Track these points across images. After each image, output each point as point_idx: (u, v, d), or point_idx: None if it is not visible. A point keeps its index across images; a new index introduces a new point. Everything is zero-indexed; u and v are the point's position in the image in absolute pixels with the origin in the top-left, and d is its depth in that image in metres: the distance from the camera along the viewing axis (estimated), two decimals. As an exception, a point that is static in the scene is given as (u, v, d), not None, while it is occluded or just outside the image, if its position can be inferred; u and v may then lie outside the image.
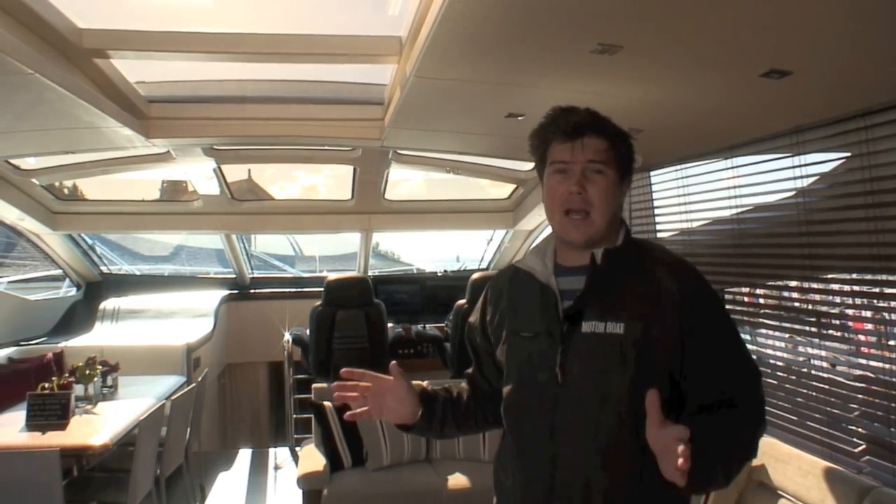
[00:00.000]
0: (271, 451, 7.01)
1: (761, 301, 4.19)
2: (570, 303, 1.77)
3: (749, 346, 4.07)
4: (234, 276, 8.53)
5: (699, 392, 1.71)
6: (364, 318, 6.57)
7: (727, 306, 4.25)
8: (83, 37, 3.43)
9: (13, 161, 5.73)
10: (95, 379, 5.09)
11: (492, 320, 1.99)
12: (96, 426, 4.44)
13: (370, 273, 8.32)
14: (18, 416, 4.51)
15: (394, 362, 1.99)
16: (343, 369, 1.95)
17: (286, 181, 8.59)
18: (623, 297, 1.72)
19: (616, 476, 1.68)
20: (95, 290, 8.25)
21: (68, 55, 3.50)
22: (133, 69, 4.17)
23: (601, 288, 1.75)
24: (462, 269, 8.90)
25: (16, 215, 6.47)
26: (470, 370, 2.17)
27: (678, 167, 4.54)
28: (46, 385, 4.58)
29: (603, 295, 1.74)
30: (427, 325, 7.58)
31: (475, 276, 6.33)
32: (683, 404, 1.72)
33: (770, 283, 3.99)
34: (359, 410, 1.95)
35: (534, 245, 1.93)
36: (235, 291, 8.47)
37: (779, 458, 3.15)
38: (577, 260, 1.80)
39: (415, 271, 9.62)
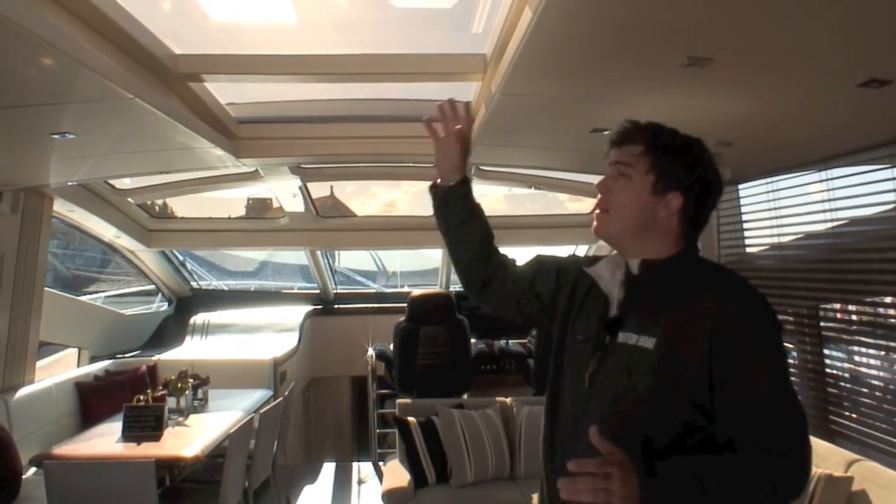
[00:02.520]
0: (354, 465, 7.07)
1: (854, 318, 4.03)
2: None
3: (843, 364, 3.97)
4: (318, 291, 8.68)
5: (728, 431, 1.58)
6: (447, 334, 6.57)
7: (821, 323, 4.12)
8: (179, 62, 3.56)
9: (110, 181, 5.99)
10: (187, 392, 5.23)
11: (557, 289, 2.00)
12: (188, 438, 4.56)
13: (452, 288, 8.34)
14: (115, 426, 4.68)
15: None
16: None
17: (366, 197, 8.71)
18: (662, 313, 1.66)
19: None
20: (186, 304, 8.52)
21: (165, 80, 3.64)
22: (223, 91, 4.31)
23: (640, 300, 1.73)
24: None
25: (113, 233, 6.76)
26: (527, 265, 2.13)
27: (768, 180, 4.42)
28: (141, 397, 4.74)
29: (642, 307, 1.71)
30: (510, 341, 7.54)
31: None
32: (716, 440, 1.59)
33: (866, 300, 3.83)
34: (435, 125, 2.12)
35: (615, 252, 1.89)
36: (320, 306, 8.62)
37: (881, 483, 3.02)
38: None
39: (496, 287, 9.57)
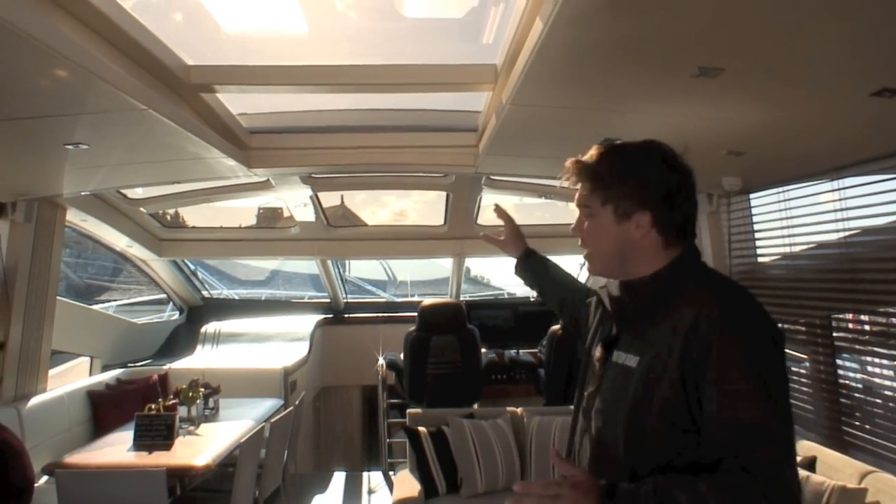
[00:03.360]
0: (364, 474, 7.06)
1: (867, 328, 4.01)
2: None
3: (856, 374, 3.94)
4: (328, 300, 8.70)
5: (709, 449, 1.51)
6: (458, 344, 6.55)
7: (834, 333, 4.10)
8: (191, 73, 3.59)
9: (123, 191, 6.03)
10: (198, 401, 5.25)
11: (588, 310, 2.14)
12: (199, 447, 4.57)
13: (462, 298, 8.33)
14: (126, 435, 4.70)
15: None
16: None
17: (377, 206, 8.73)
18: (647, 331, 1.67)
19: None
20: (197, 313, 8.55)
21: (177, 91, 3.67)
22: (235, 101, 4.33)
23: (627, 319, 1.76)
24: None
25: (125, 242, 6.81)
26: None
27: (779, 189, 4.41)
28: (153, 406, 4.75)
29: (632, 325, 1.74)
30: (520, 351, 7.53)
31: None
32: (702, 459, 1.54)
33: (879, 310, 3.81)
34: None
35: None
36: (330, 316, 8.63)
37: (895, 495, 2.99)
38: None
39: (505, 296, 9.58)
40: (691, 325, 1.55)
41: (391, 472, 6.57)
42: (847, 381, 4.01)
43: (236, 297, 9.69)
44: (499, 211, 2.63)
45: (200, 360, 7.36)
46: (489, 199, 7.01)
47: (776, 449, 1.47)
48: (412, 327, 6.68)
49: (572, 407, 1.93)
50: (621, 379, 1.68)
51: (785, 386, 1.56)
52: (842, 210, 3.81)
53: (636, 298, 1.74)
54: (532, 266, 2.58)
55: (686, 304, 1.61)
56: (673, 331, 1.58)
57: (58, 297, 5.51)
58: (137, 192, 6.28)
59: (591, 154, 1.79)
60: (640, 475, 1.52)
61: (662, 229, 1.71)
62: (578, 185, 1.81)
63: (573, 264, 8.29)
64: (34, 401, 5.07)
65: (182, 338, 8.14)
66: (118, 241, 6.79)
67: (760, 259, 4.77)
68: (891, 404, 3.56)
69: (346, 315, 8.76)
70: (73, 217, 5.74)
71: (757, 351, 1.53)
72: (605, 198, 1.73)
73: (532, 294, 8.73)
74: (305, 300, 9.61)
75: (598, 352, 1.83)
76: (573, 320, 2.34)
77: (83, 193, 5.40)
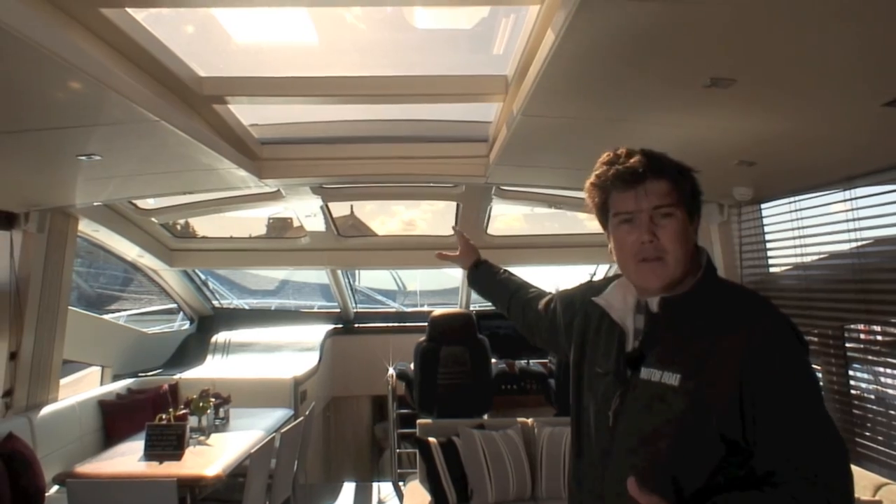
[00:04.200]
0: (374, 485, 7.05)
1: (880, 338, 3.98)
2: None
3: (869, 385, 3.92)
4: (338, 310, 8.70)
5: (766, 463, 1.51)
6: (468, 354, 6.54)
7: (847, 344, 4.08)
8: (203, 85, 3.61)
9: (135, 201, 6.06)
10: (209, 411, 5.25)
11: (569, 324, 2.05)
12: (209, 457, 4.58)
13: (471, 308, 8.32)
14: (137, 445, 4.71)
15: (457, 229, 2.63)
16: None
17: (386, 216, 8.73)
18: (686, 348, 1.61)
19: None
20: (208, 323, 8.58)
21: (190, 102, 3.69)
22: (247, 113, 4.36)
23: (663, 335, 1.68)
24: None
25: (136, 252, 6.85)
26: (542, 302, 2.35)
27: (791, 199, 4.39)
28: (163, 416, 4.77)
29: (665, 342, 1.66)
30: (531, 361, 7.51)
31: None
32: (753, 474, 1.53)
33: (892, 320, 3.78)
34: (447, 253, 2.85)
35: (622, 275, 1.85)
36: (340, 326, 8.64)
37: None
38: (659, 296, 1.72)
39: (516, 306, 9.55)
40: (747, 343, 1.52)
41: (401, 483, 6.55)
42: (860, 393, 3.99)
43: (246, 307, 9.71)
44: (455, 230, 2.97)
45: (211, 369, 7.37)
46: (499, 210, 7.02)
47: (836, 458, 1.49)
48: (422, 337, 6.68)
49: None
50: (661, 396, 1.61)
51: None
52: (854, 220, 3.80)
53: (678, 314, 1.66)
54: (480, 276, 2.73)
55: (731, 320, 1.59)
56: (722, 350, 1.55)
57: (69, 307, 5.54)
58: (149, 203, 6.31)
59: (644, 153, 1.71)
60: (686, 494, 1.52)
61: (695, 232, 1.71)
62: (642, 184, 1.67)
63: (583, 275, 8.30)
64: (45, 410, 5.09)
65: (192, 347, 8.17)
66: (129, 251, 6.83)
67: (772, 269, 4.76)
68: (904, 415, 3.54)
69: (356, 325, 8.77)
70: (86, 227, 5.78)
71: (805, 362, 1.55)
72: (680, 196, 1.67)
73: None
74: (315, 310, 9.62)
75: (610, 366, 1.77)
76: (529, 328, 2.40)
77: (95, 204, 5.43)
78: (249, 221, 8.19)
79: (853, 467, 3.02)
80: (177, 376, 6.83)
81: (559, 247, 7.48)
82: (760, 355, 1.51)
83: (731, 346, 1.54)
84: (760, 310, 1.62)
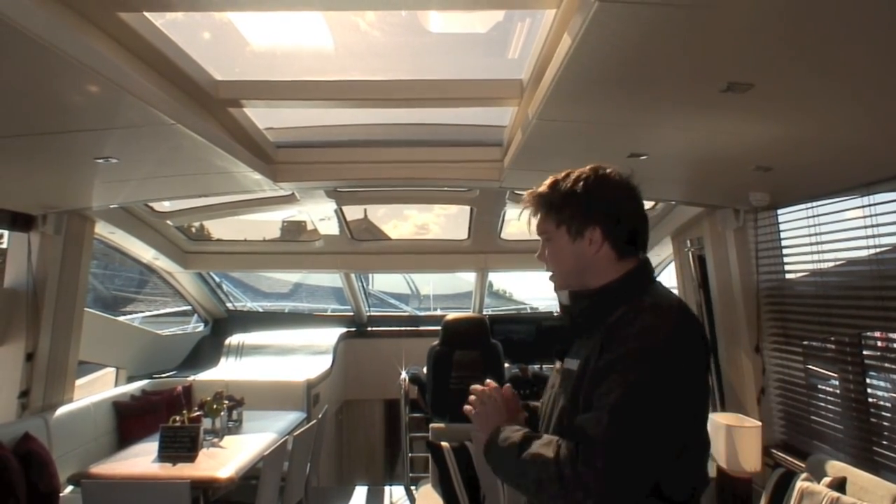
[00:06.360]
0: (386, 489, 7.04)
1: (896, 346, 3.94)
2: None
3: (887, 393, 3.87)
4: (351, 313, 8.71)
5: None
6: (481, 358, 6.53)
7: (864, 352, 4.03)
8: (219, 88, 3.63)
9: (150, 204, 6.09)
10: (222, 413, 5.26)
11: None
12: (222, 459, 4.59)
13: (485, 312, 8.31)
14: (151, 446, 4.72)
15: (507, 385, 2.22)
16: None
17: (399, 220, 8.75)
18: (588, 337, 1.84)
19: None
20: (222, 326, 8.60)
21: (206, 105, 3.71)
22: (262, 116, 4.37)
23: (575, 326, 1.94)
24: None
25: (152, 255, 6.88)
26: None
27: (808, 205, 4.35)
28: (177, 418, 4.78)
29: (578, 333, 1.93)
30: (543, 366, 7.48)
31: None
32: None
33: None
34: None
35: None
36: (353, 329, 8.64)
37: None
38: None
39: (528, 310, 9.54)
40: (609, 329, 1.75)
41: (413, 487, 6.54)
42: (877, 401, 3.94)
43: (260, 310, 9.74)
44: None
45: (224, 372, 7.40)
46: (513, 214, 7.00)
47: (605, 451, 1.60)
48: (435, 341, 6.67)
49: None
50: (565, 381, 1.86)
51: (654, 413, 1.65)
52: (872, 227, 3.75)
53: (583, 307, 1.91)
54: None
55: (617, 312, 1.79)
56: (601, 335, 1.77)
57: (85, 309, 5.57)
58: (164, 206, 6.34)
59: (544, 185, 1.99)
60: None
61: (614, 243, 1.88)
62: (536, 219, 1.99)
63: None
64: (61, 411, 5.12)
65: (206, 349, 8.19)
66: (145, 253, 6.86)
67: (788, 275, 4.71)
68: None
69: (369, 328, 8.77)
70: (102, 229, 5.81)
71: (650, 362, 1.67)
72: (558, 220, 1.92)
73: (556, 310, 8.73)
74: (329, 313, 9.63)
75: (557, 363, 2.02)
76: None
77: (111, 206, 5.46)
78: (264, 225, 8.22)
79: (872, 476, 2.99)
80: (191, 378, 6.86)
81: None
82: (610, 339, 1.72)
83: (606, 330, 1.76)
84: (647, 306, 1.79)
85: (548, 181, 1.99)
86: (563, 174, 1.96)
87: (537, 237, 2.02)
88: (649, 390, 1.64)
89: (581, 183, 1.90)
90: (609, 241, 1.87)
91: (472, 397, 2.04)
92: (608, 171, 1.92)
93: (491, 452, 1.88)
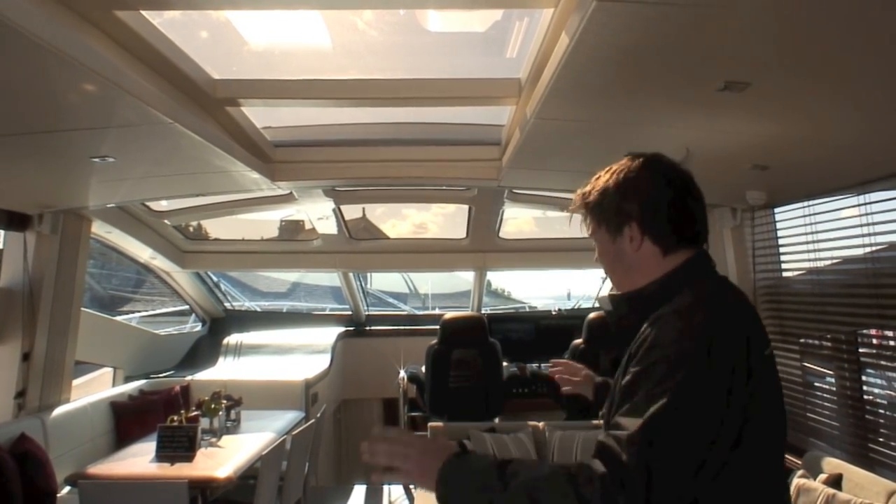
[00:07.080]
0: (385, 487, 7.03)
1: (893, 343, 3.95)
2: None
3: (882, 390, 3.88)
4: (350, 312, 8.70)
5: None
6: (479, 357, 6.53)
7: (860, 349, 4.05)
8: (217, 87, 3.62)
9: (147, 203, 6.08)
10: (220, 413, 5.25)
11: None
12: (220, 459, 4.58)
13: (483, 311, 8.31)
14: (149, 446, 4.71)
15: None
16: None
17: (397, 219, 8.75)
18: (628, 343, 1.67)
19: None
20: (219, 325, 8.59)
21: (203, 104, 3.70)
22: (260, 115, 4.37)
23: (619, 335, 1.78)
24: (576, 307, 8.79)
25: (149, 254, 6.87)
26: None
27: (805, 204, 4.36)
28: (175, 418, 4.77)
29: (620, 343, 1.76)
30: (542, 365, 7.49)
31: (592, 315, 6.28)
32: None
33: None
34: None
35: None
36: (352, 328, 8.63)
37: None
38: None
39: (527, 309, 9.55)
40: (640, 338, 1.57)
41: (412, 486, 6.54)
42: (873, 398, 3.95)
43: (258, 309, 9.73)
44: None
45: (222, 371, 7.38)
46: (511, 213, 7.01)
47: (633, 460, 1.36)
48: (433, 340, 6.67)
49: (595, 422, 1.93)
50: (613, 390, 1.66)
51: (682, 416, 1.41)
52: (868, 225, 3.77)
53: (621, 314, 1.79)
54: None
55: (651, 318, 1.59)
56: (635, 342, 1.60)
57: (82, 308, 5.56)
58: (162, 205, 6.33)
59: (588, 182, 1.85)
60: None
61: (655, 237, 1.69)
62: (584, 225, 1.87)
63: (594, 278, 8.29)
64: (58, 411, 5.10)
65: (204, 349, 8.17)
66: (142, 252, 6.85)
67: (785, 274, 4.72)
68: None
69: (368, 327, 8.76)
70: (98, 229, 5.80)
71: (677, 371, 1.44)
72: (598, 220, 1.80)
73: (554, 308, 8.73)
74: (327, 312, 9.63)
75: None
76: None
77: (108, 206, 5.45)
78: (261, 224, 8.22)
79: (867, 473, 2.98)
80: (188, 378, 6.84)
81: (570, 250, 7.45)
82: (639, 350, 1.54)
83: (637, 336, 1.60)
84: (677, 309, 1.57)
85: (593, 178, 1.84)
86: (605, 169, 1.81)
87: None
88: (664, 420, 1.39)
89: (614, 175, 1.75)
90: (649, 236, 1.69)
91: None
92: (644, 157, 1.75)
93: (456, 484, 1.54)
